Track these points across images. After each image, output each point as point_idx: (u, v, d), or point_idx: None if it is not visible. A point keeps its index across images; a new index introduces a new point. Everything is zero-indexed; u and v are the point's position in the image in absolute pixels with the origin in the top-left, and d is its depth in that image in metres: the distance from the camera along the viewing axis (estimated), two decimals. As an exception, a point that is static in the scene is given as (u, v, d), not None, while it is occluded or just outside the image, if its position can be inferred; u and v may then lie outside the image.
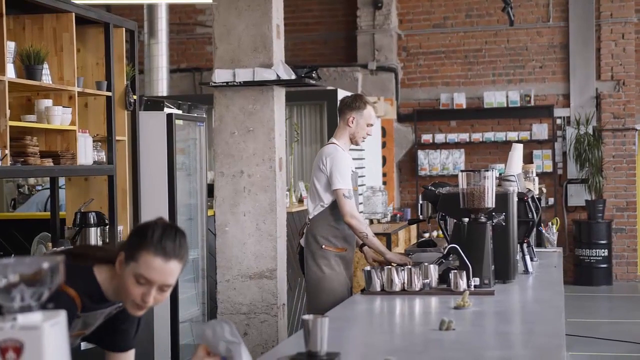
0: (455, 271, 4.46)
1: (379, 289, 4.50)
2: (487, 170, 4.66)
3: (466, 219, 4.64)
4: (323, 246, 5.47)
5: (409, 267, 4.57)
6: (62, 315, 1.87)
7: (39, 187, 8.76)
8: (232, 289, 5.94)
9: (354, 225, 5.34)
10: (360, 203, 10.21)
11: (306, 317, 2.85)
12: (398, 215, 11.17)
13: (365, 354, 3.27)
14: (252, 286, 5.91)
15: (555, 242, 6.68)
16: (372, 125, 5.55)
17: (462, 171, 4.72)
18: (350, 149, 9.78)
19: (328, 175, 5.38)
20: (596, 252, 12.68)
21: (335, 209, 5.40)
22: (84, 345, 4.88)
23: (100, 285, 2.85)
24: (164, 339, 6.52)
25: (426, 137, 13.44)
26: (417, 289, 4.46)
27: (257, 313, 5.91)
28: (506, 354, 3.22)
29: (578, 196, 13.06)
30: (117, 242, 2.82)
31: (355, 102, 5.51)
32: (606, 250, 12.72)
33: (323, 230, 5.47)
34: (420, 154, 13.42)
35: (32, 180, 9.26)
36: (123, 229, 6.16)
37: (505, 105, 13.24)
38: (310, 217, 5.54)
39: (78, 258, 2.91)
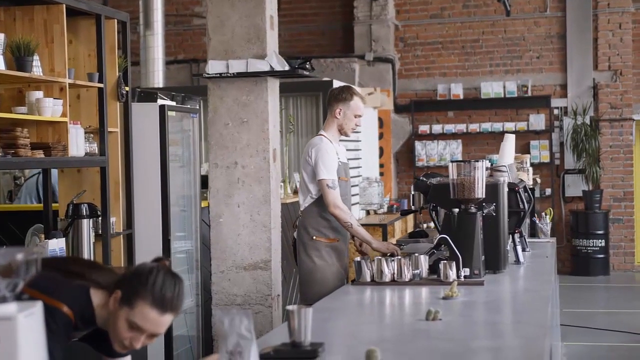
0: (445, 262, 4.47)
1: (369, 279, 4.52)
2: (477, 161, 4.66)
3: (456, 210, 4.64)
4: (314, 237, 5.49)
5: (399, 257, 4.58)
6: (37, 307, 1.88)
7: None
8: (226, 280, 5.95)
9: (338, 215, 5.35)
10: (356, 194, 10.23)
11: (290, 307, 2.86)
12: (395, 206, 11.18)
13: (350, 344, 3.27)
14: (246, 277, 5.92)
15: (549, 233, 6.67)
16: (360, 116, 5.55)
17: (452, 161, 4.73)
18: (348, 140, 9.85)
19: (313, 166, 5.40)
20: (593, 242, 12.69)
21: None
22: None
23: (95, 309, 2.85)
24: (157, 330, 6.52)
25: (423, 128, 13.43)
26: (406, 280, 4.47)
27: (252, 304, 5.91)
28: (490, 343, 3.23)
29: (575, 186, 13.06)
30: (116, 275, 2.81)
31: (342, 94, 5.52)
32: (603, 240, 12.72)
33: (313, 221, 5.49)
34: (418, 145, 13.42)
35: (28, 172, 9.25)
36: (115, 221, 6.16)
37: (502, 95, 13.24)
38: (302, 209, 5.57)
39: (74, 276, 2.90)
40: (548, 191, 13.08)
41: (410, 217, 11.28)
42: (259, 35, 5.85)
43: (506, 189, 4.98)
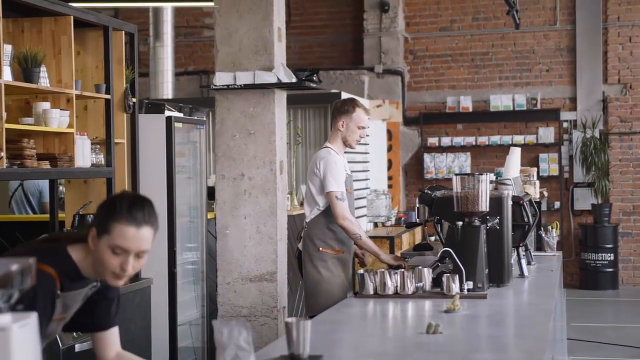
0: (448, 275, 4.46)
1: (372, 292, 4.51)
2: (481, 174, 4.66)
3: (460, 223, 4.64)
4: (320, 249, 5.51)
5: (402, 270, 4.57)
6: (32, 317, 1.88)
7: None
8: (232, 292, 5.95)
9: (347, 227, 5.38)
10: (363, 206, 10.23)
11: (289, 320, 2.87)
12: (403, 218, 11.17)
13: (350, 357, 3.28)
14: (252, 289, 5.91)
15: (555, 246, 6.65)
16: (363, 127, 5.58)
17: (456, 175, 4.72)
18: (356, 152, 9.85)
19: (321, 178, 5.43)
20: (602, 256, 12.65)
21: (331, 211, 5.44)
22: (78, 347, 4.92)
23: (76, 263, 2.94)
24: (162, 342, 6.53)
25: (432, 141, 13.43)
26: (409, 293, 4.46)
27: (257, 316, 5.91)
28: (490, 357, 3.22)
29: (584, 200, 13.02)
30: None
31: (345, 106, 5.57)
32: (612, 254, 12.68)
33: (320, 233, 5.51)
34: (427, 157, 13.42)
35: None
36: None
37: (511, 108, 13.24)
38: (307, 221, 5.59)
39: (52, 242, 3.03)
40: (557, 204, 13.05)
41: (419, 229, 11.27)
42: (266, 47, 5.86)
43: (510, 203, 4.96)
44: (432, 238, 11.28)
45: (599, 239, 12.69)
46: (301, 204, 8.81)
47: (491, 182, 5.05)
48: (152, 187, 6.54)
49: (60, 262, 2.90)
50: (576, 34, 13.17)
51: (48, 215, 6.20)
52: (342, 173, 5.46)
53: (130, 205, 2.86)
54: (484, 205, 4.63)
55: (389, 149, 12.86)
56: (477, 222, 4.65)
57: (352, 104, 5.60)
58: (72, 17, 5.58)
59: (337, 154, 5.51)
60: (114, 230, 2.83)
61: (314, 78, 6.05)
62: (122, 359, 3.20)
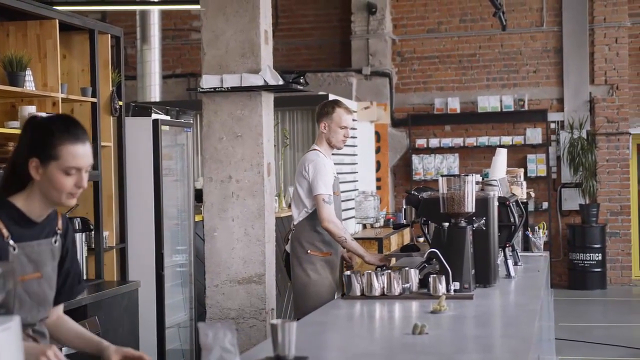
0: (435, 275, 4.47)
1: (358, 293, 4.52)
2: (467, 175, 4.67)
3: (446, 224, 4.65)
4: (308, 251, 5.53)
5: (389, 271, 4.58)
6: (14, 321, 1.88)
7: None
8: (220, 294, 5.95)
9: (332, 230, 5.39)
10: (351, 208, 10.25)
11: (274, 321, 2.88)
12: (391, 220, 11.19)
13: (335, 358, 3.28)
14: (240, 291, 5.91)
15: (542, 247, 6.66)
16: (346, 127, 5.60)
17: (442, 176, 4.73)
18: (344, 154, 9.86)
19: (310, 181, 5.44)
20: (590, 256, 12.69)
21: (319, 214, 5.46)
22: (65, 350, 4.90)
23: (21, 209, 2.90)
24: (150, 344, 6.52)
25: (420, 142, 13.45)
26: (396, 294, 4.47)
27: (246, 318, 5.91)
28: (474, 357, 3.23)
29: (572, 200, 13.07)
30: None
31: (325, 108, 5.61)
32: (600, 254, 12.72)
33: (308, 235, 5.53)
34: (415, 159, 13.43)
35: None
36: (109, 235, 6.17)
37: (499, 109, 13.27)
38: (295, 223, 5.60)
39: None
40: (545, 205, 13.08)
41: (407, 230, 11.29)
42: (253, 49, 5.87)
43: (496, 203, 4.98)
44: (421, 239, 11.30)
45: (587, 239, 12.74)
46: (289, 206, 8.82)
47: (477, 183, 5.06)
48: (140, 190, 6.54)
49: (3, 210, 2.88)
50: (563, 35, 13.22)
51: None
52: (330, 176, 5.48)
53: (67, 125, 2.87)
54: (470, 206, 4.64)
55: (377, 150, 12.89)
56: (463, 223, 4.66)
57: (332, 105, 5.64)
58: (57, 20, 5.57)
59: (325, 157, 5.54)
60: (62, 152, 2.83)
61: (301, 80, 6.06)
62: (61, 320, 3.21)
